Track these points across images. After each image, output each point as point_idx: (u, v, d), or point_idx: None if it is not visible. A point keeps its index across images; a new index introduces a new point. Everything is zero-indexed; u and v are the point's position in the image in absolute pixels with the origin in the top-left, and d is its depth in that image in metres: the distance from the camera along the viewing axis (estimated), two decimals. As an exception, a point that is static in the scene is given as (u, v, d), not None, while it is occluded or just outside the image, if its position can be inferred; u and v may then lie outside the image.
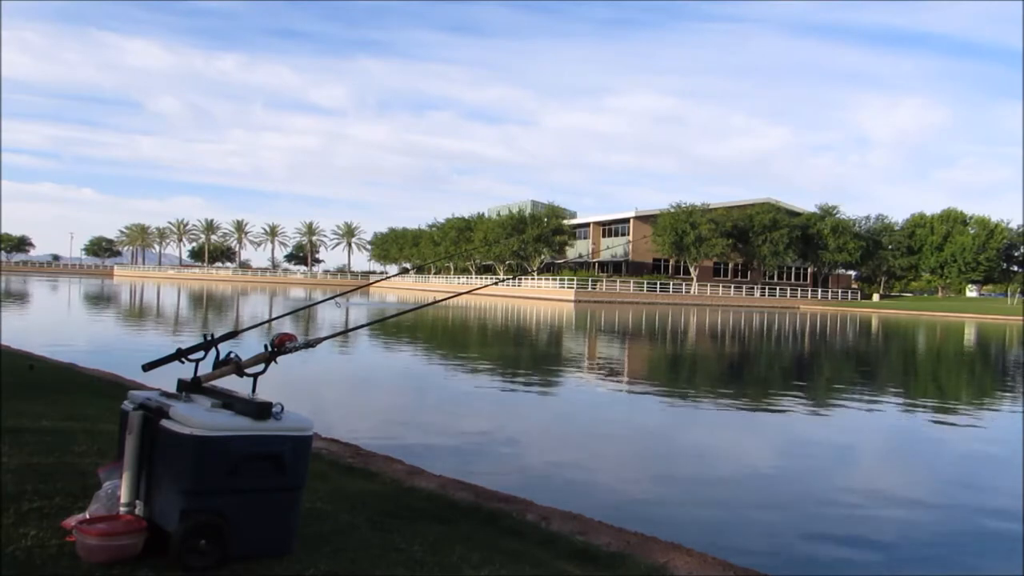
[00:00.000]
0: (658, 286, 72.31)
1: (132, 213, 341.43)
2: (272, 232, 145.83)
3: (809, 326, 40.98)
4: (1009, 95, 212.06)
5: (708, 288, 74.85)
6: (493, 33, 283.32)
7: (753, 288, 77.58)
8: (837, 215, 79.61)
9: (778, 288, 78.96)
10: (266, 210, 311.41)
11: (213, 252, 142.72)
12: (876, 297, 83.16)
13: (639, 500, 6.31)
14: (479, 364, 16.41)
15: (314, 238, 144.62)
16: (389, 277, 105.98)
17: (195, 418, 2.88)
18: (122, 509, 3.01)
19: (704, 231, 72.12)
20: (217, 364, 3.28)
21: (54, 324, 23.75)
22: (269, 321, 23.11)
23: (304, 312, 29.42)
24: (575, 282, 69.08)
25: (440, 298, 5.53)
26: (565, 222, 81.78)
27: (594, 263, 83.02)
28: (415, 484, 5.37)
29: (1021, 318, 56.54)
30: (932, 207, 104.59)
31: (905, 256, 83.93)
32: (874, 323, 47.41)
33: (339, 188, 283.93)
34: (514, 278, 60.64)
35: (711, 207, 75.99)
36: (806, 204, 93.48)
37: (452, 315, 35.25)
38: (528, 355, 19.25)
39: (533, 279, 73.53)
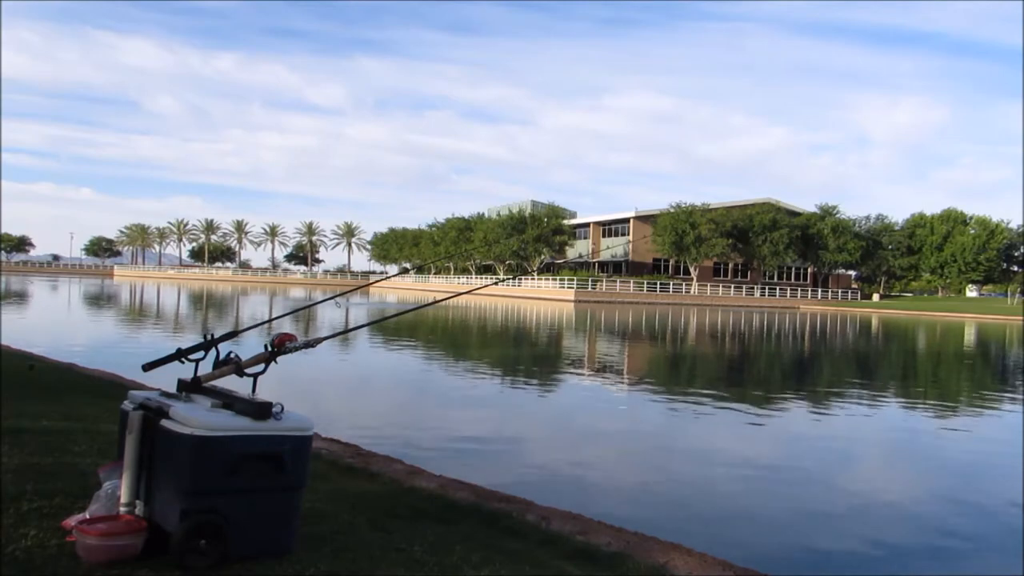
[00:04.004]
0: (658, 286, 72.29)
1: (131, 213, 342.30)
2: (272, 232, 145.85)
3: (809, 326, 40.98)
4: (1009, 95, 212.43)
5: (708, 288, 74.83)
6: (491, 32, 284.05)
7: (753, 288, 77.56)
8: (837, 215, 79.58)
9: (778, 288, 78.95)
10: (265, 210, 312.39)
11: (213, 252, 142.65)
12: (876, 297, 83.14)
13: (639, 500, 6.31)
14: (479, 364, 16.41)
15: (314, 238, 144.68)
16: (389, 277, 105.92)
17: (195, 418, 2.88)
18: (122, 509, 3.01)
19: (704, 231, 72.09)
20: (217, 364, 3.28)
21: (54, 324, 23.75)
22: (269, 321, 23.11)
23: (304, 312, 29.42)
24: (575, 282, 69.07)
25: (440, 298, 5.53)
26: (565, 222, 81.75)
27: (594, 263, 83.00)
28: (415, 484, 5.37)
29: (1021, 318, 56.53)
30: (932, 207, 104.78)
31: (905, 256, 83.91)
32: (874, 323, 47.41)
33: (338, 188, 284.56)
34: (514, 278, 60.60)
35: (711, 207, 75.95)
36: (806, 204, 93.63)
37: (452, 315, 35.25)
38: (528, 355, 19.26)
39: (533, 279, 73.51)
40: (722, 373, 17.35)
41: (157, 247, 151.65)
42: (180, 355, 3.33)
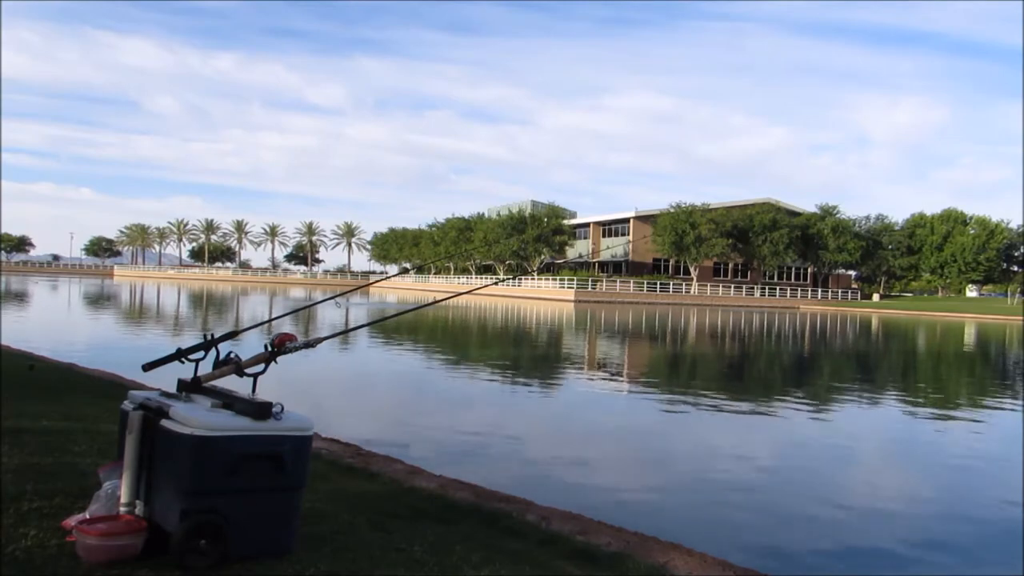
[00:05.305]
0: (658, 286, 72.29)
1: (131, 213, 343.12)
2: (272, 232, 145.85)
3: (809, 326, 40.98)
4: (1009, 95, 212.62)
5: (708, 288, 74.83)
6: (490, 32, 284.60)
7: (753, 288, 77.56)
8: (837, 215, 79.59)
9: (778, 288, 78.93)
10: (265, 210, 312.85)
11: (213, 252, 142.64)
12: (876, 297, 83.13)
13: (639, 500, 6.31)
14: (479, 364, 16.41)
15: (314, 238, 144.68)
16: (389, 277, 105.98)
17: (195, 418, 2.88)
18: (122, 509, 3.01)
19: (704, 231, 72.09)
20: (217, 364, 3.28)
21: (54, 324, 23.74)
22: (269, 321, 23.11)
23: (304, 312, 29.42)
24: (575, 282, 69.06)
25: (440, 298, 5.53)
26: (565, 222, 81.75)
27: (594, 263, 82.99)
28: (415, 484, 5.37)
29: (1021, 318, 56.52)
30: (932, 207, 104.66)
31: (905, 256, 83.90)
32: (874, 323, 47.40)
33: (338, 188, 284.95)
34: (514, 278, 60.65)
35: (711, 207, 75.95)
36: (806, 204, 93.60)
37: (452, 315, 35.25)
38: (528, 355, 19.25)
39: (533, 279, 73.51)
40: (722, 373, 17.35)
41: (157, 247, 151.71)
42: (180, 355, 3.33)
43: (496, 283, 7.52)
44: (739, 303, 72.71)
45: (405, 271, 72.05)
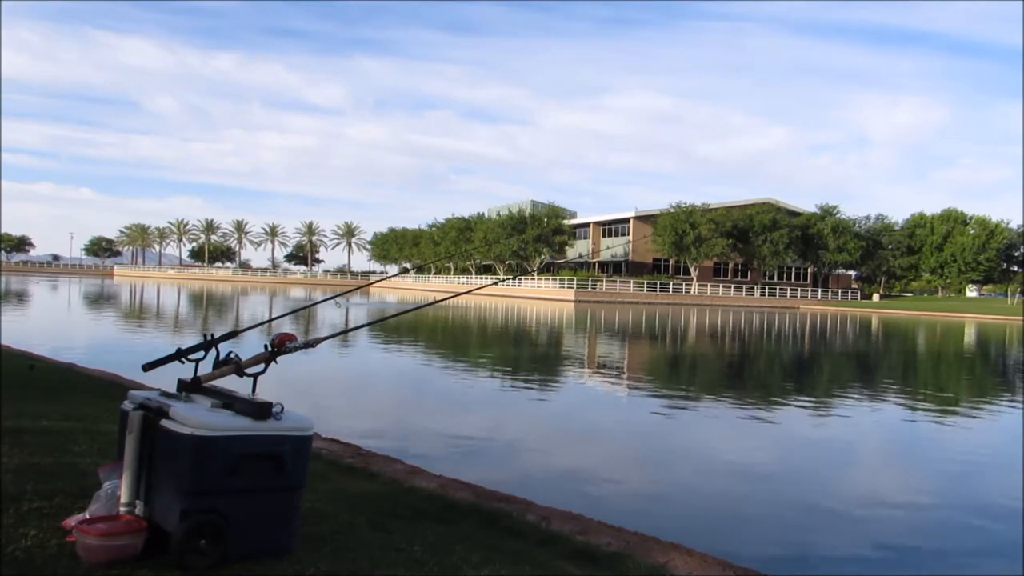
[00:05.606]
0: (658, 286, 72.29)
1: (131, 213, 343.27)
2: (272, 232, 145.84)
3: (809, 326, 40.97)
4: (1009, 95, 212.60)
5: (708, 288, 74.82)
6: (490, 32, 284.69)
7: (753, 288, 77.55)
8: (837, 215, 79.59)
9: (778, 288, 78.93)
10: (265, 210, 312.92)
11: (213, 252, 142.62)
12: (876, 297, 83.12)
13: (639, 500, 6.31)
14: (479, 364, 16.41)
15: (314, 238, 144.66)
16: (389, 277, 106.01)
17: (195, 418, 2.88)
18: (122, 509, 3.01)
19: (704, 231, 72.08)
20: (217, 364, 3.28)
21: (54, 324, 23.74)
22: (269, 321, 23.10)
23: (304, 312, 29.42)
24: (575, 282, 69.06)
25: (440, 298, 5.53)
26: (565, 222, 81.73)
27: (594, 263, 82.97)
28: (415, 484, 5.37)
29: (1021, 318, 56.51)
30: (932, 207, 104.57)
31: (905, 256, 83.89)
32: (874, 323, 47.40)
33: (338, 188, 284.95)
34: (514, 278, 60.67)
35: (711, 207, 75.95)
36: (806, 204, 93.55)
37: (452, 315, 35.24)
38: (528, 355, 19.25)
39: (533, 279, 73.50)
40: (722, 374, 17.35)
41: (157, 247, 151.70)
42: (180, 355, 3.33)
43: (496, 283, 7.53)
44: (739, 303, 72.70)
45: (405, 271, 72.11)
